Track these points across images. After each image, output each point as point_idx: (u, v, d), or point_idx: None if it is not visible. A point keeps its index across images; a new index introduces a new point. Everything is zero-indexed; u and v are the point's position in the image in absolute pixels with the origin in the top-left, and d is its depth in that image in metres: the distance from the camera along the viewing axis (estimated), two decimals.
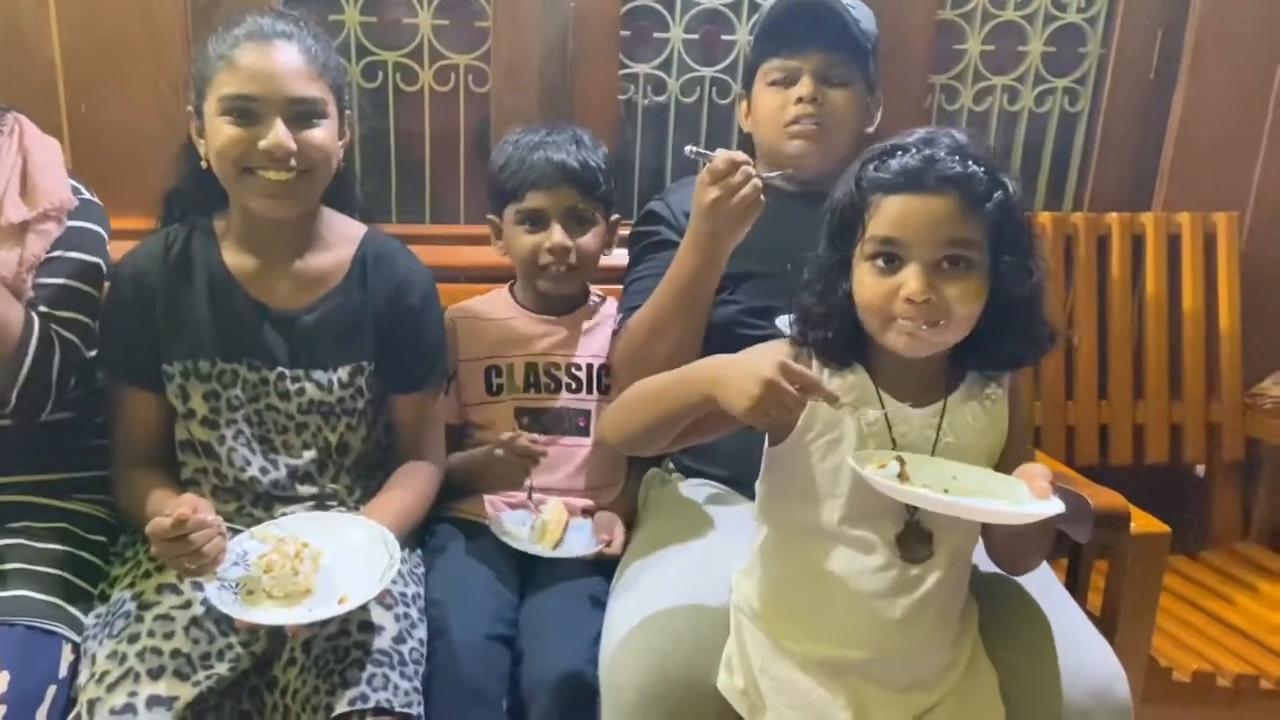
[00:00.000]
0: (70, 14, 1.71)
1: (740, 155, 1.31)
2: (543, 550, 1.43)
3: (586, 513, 1.53)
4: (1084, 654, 1.20)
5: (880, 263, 1.05)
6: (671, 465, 1.59)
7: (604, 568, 1.42)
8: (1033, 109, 2.09)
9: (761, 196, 1.31)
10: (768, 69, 1.52)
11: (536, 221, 1.53)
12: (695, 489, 1.51)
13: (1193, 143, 2.01)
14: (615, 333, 1.56)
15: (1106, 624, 1.36)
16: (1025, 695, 1.17)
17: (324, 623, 1.17)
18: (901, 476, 1.04)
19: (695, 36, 1.97)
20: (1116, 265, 1.98)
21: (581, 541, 1.45)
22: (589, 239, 1.55)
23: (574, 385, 1.58)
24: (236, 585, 1.17)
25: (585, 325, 1.61)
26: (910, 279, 1.03)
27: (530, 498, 1.50)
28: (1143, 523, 1.36)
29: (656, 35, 1.97)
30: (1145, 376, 2.00)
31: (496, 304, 1.62)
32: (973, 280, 1.04)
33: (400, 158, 1.98)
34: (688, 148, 1.35)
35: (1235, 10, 1.96)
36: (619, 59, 1.93)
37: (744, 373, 1.01)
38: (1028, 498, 1.03)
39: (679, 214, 1.54)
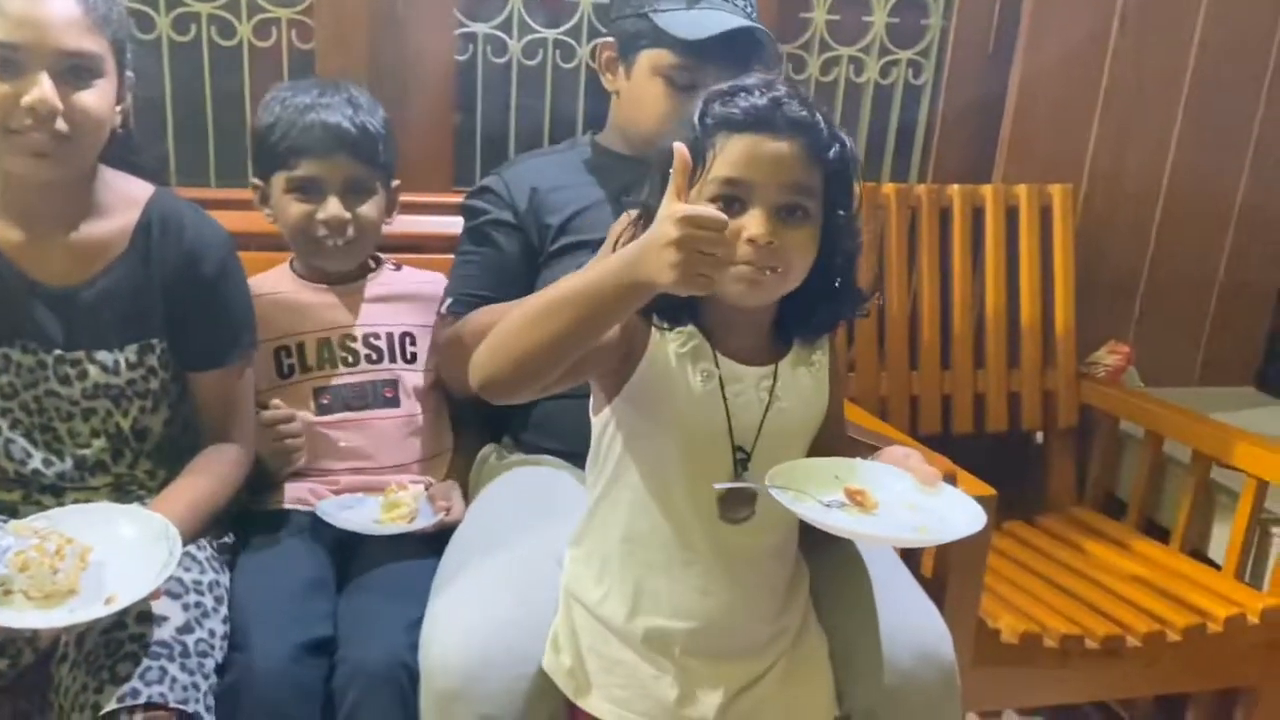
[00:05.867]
0: None
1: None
2: (387, 529, 1.35)
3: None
4: (910, 616, 1.21)
5: (720, 205, 1.00)
6: (508, 440, 1.54)
7: (433, 550, 1.35)
8: (878, 81, 2.10)
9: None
10: (665, 60, 1.42)
11: (309, 191, 1.44)
12: (531, 465, 1.46)
13: (1030, 116, 2.06)
14: (441, 315, 1.49)
15: (936, 587, 1.37)
16: (851, 658, 1.17)
17: (91, 623, 1.07)
18: (859, 503, 1.02)
19: None
20: (957, 237, 2.01)
21: (423, 514, 1.39)
22: (368, 208, 1.46)
23: (374, 356, 1.50)
24: None
25: (376, 292, 1.53)
26: (753, 222, 0.99)
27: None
28: (969, 486, 1.37)
29: None
30: (985, 346, 2.04)
31: (278, 280, 1.52)
32: (809, 229, 1.03)
33: (217, 118, 1.86)
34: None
35: None
36: (455, 17, 1.85)
37: (653, 245, 0.91)
38: (913, 488, 1.04)
39: (515, 190, 1.49)
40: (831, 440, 1.17)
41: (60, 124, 1.14)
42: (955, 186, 2.02)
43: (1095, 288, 2.12)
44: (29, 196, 1.21)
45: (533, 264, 1.48)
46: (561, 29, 1.93)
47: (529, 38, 1.93)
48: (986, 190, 2.03)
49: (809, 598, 1.19)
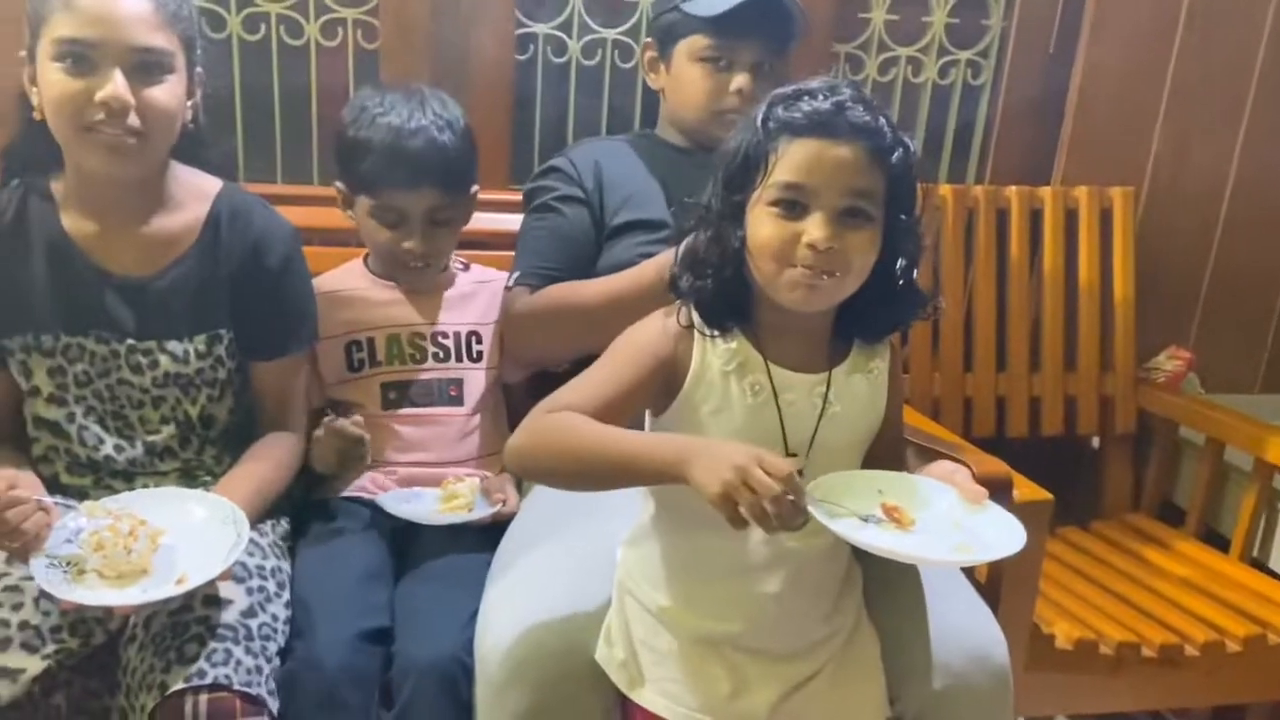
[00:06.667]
0: None
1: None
2: (446, 519, 1.37)
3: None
4: (965, 620, 1.21)
5: (781, 209, 1.01)
6: None
7: (489, 544, 1.37)
8: (936, 81, 2.08)
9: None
10: (700, 44, 1.47)
11: (394, 220, 1.46)
12: None
13: (1091, 117, 2.03)
14: (509, 288, 1.51)
15: (991, 591, 1.36)
16: (903, 660, 1.17)
17: (163, 603, 1.10)
18: (896, 519, 1.01)
19: None
20: (1015, 238, 1.99)
21: (479, 506, 1.41)
22: (450, 234, 1.51)
23: (441, 354, 1.53)
24: (66, 563, 1.10)
25: (447, 293, 1.56)
26: (814, 226, 0.99)
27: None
28: (1026, 490, 1.36)
29: None
30: (1042, 349, 2.01)
31: (351, 276, 1.55)
32: (870, 232, 1.02)
33: (285, 116, 1.89)
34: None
35: None
36: (515, 17, 1.87)
37: (717, 455, 0.93)
38: (958, 505, 1.03)
39: (583, 169, 1.51)
40: (889, 447, 1.16)
41: (133, 119, 1.16)
42: (1013, 188, 2.00)
43: (1156, 292, 2.08)
44: (103, 190, 1.25)
45: (597, 240, 1.50)
46: (620, 29, 1.94)
47: (588, 38, 1.94)
48: (1045, 192, 2.01)
49: (861, 599, 1.19)
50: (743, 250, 1.04)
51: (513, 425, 1.54)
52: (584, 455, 1.02)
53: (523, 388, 1.59)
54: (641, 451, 1.00)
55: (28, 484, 1.12)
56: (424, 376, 1.51)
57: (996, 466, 1.34)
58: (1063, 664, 1.53)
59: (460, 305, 1.56)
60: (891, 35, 2.04)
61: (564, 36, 1.94)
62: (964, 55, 2.08)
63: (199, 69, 1.27)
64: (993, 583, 1.39)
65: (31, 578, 1.11)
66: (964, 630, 1.19)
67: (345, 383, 1.51)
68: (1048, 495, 1.38)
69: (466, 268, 1.61)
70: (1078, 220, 2.01)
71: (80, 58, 1.15)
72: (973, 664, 1.16)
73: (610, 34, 1.94)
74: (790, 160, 1.00)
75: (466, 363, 1.54)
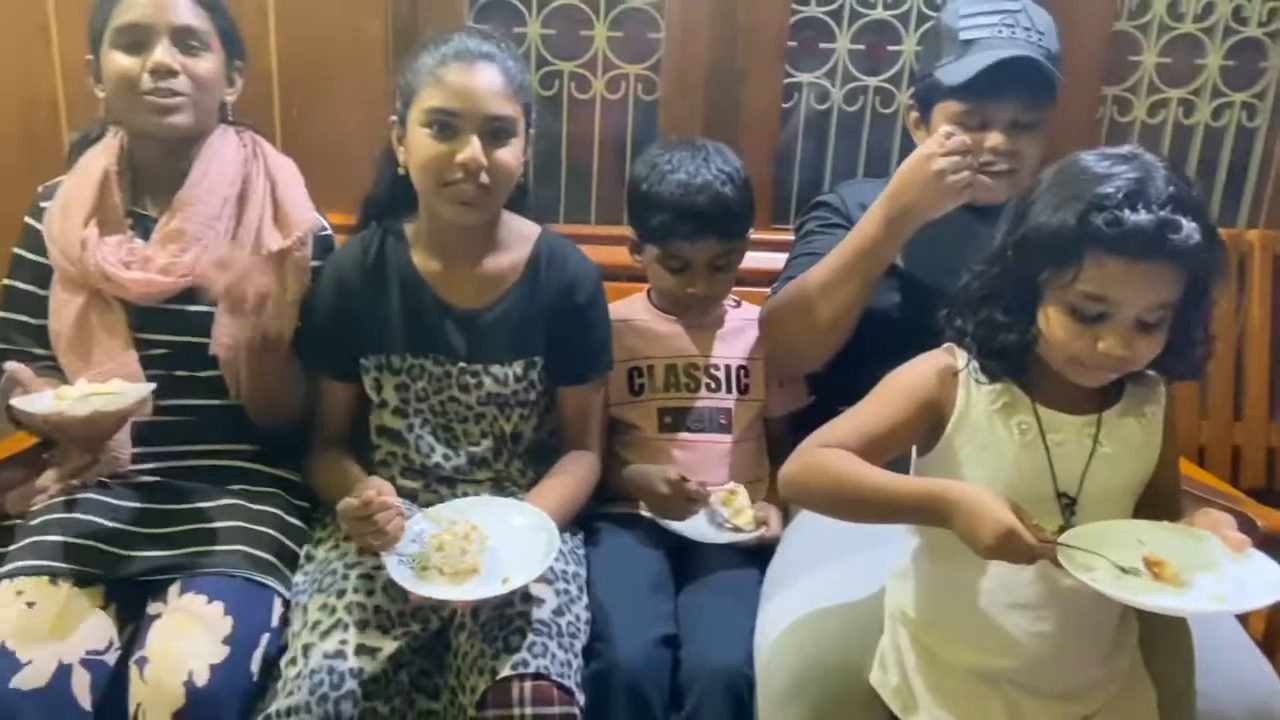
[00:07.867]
0: (287, 27, 1.87)
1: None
2: (720, 537, 1.48)
3: None
4: (1243, 671, 1.21)
5: (1081, 316, 1.04)
6: None
7: (757, 562, 1.48)
8: (1209, 123, 2.04)
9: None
10: (953, 109, 1.47)
11: (680, 268, 1.59)
12: None
13: None
14: (773, 290, 1.60)
15: (1267, 646, 1.34)
16: (1179, 709, 1.18)
17: (491, 600, 1.24)
18: (1156, 574, 1.02)
19: (861, 47, 2.00)
20: None
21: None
22: (729, 277, 1.62)
23: (713, 385, 1.64)
24: (412, 560, 1.26)
25: (721, 328, 1.67)
26: (1112, 338, 1.02)
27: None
28: None
29: (822, 45, 2.01)
30: None
31: (635, 308, 1.68)
32: (1163, 334, 1.05)
33: (571, 161, 2.07)
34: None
35: None
36: (784, 69, 1.98)
37: (980, 518, 1.01)
38: (1222, 554, 1.03)
39: (851, 205, 1.58)
40: (1165, 495, 1.16)
41: (484, 177, 1.34)
42: None
43: None
44: (450, 235, 1.43)
45: None
46: (883, 77, 2.02)
47: (850, 85, 2.03)
48: None
49: (1137, 645, 1.20)
50: (1034, 329, 1.08)
51: (773, 458, 1.66)
52: (849, 494, 1.11)
53: (784, 422, 1.69)
54: (900, 498, 1.08)
55: (388, 492, 1.29)
56: (697, 404, 1.63)
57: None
58: None
59: (732, 340, 1.67)
60: (1163, 78, 2.02)
61: (827, 85, 2.03)
62: (1239, 97, 2.03)
63: (532, 130, 1.44)
64: (1270, 637, 1.37)
65: (380, 567, 1.28)
66: (1242, 683, 1.19)
67: (626, 404, 1.65)
68: None
69: (738, 304, 1.71)
70: None
71: (445, 125, 1.34)
72: (1251, 716, 1.16)
73: (872, 81, 2.02)
74: (1100, 275, 1.01)
75: (735, 394, 1.64)
